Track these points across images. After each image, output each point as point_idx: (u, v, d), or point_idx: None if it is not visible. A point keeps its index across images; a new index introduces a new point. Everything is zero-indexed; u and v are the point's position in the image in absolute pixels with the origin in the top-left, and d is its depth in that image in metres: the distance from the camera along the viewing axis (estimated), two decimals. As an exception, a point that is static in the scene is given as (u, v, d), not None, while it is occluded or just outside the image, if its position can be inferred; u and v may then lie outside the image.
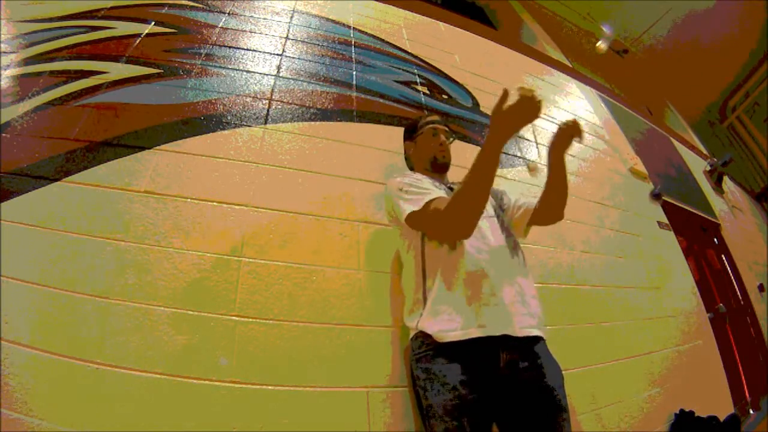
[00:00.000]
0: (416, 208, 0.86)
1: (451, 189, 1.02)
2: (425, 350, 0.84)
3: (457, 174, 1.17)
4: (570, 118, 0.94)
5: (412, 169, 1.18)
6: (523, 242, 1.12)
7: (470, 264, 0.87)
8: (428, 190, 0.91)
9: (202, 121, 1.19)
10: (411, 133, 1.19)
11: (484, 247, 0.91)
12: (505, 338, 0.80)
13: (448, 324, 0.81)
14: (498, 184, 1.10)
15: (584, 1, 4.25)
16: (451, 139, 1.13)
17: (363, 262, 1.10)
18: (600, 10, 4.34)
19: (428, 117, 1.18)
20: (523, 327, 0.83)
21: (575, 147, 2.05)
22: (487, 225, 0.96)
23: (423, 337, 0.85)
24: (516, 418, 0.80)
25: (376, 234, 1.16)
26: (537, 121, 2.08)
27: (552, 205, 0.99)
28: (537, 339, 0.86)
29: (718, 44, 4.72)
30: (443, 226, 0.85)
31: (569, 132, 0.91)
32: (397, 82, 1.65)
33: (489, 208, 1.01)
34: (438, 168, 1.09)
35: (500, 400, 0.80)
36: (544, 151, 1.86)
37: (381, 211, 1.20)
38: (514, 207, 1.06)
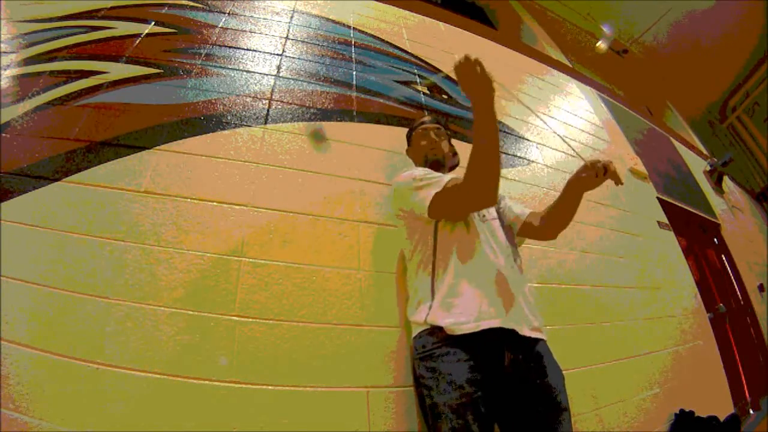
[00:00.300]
0: (439, 189, 0.88)
1: None
2: (431, 348, 0.84)
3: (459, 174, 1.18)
4: (608, 162, 0.88)
5: (415, 162, 1.20)
6: (523, 242, 1.12)
7: (483, 259, 0.88)
8: (443, 176, 0.96)
9: (202, 121, 1.19)
10: (408, 138, 1.24)
11: (495, 246, 0.93)
12: (513, 336, 0.81)
13: (460, 316, 0.82)
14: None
15: (584, 1, 4.25)
16: (444, 136, 1.14)
17: (363, 262, 1.10)
18: (600, 10, 4.34)
19: (420, 119, 1.22)
20: (530, 327, 0.85)
21: (575, 146, 2.06)
22: (496, 225, 0.97)
23: (430, 333, 0.86)
24: (518, 417, 0.81)
25: (376, 234, 1.16)
26: (537, 122, 2.07)
27: (551, 227, 1.01)
28: (539, 340, 0.87)
29: (718, 44, 4.72)
30: (468, 193, 0.84)
31: (604, 176, 0.87)
32: (397, 82, 1.65)
33: (492, 210, 1.03)
34: (433, 165, 1.10)
35: (503, 399, 0.80)
36: (545, 152, 1.87)
37: (381, 211, 1.20)
38: (508, 212, 1.07)
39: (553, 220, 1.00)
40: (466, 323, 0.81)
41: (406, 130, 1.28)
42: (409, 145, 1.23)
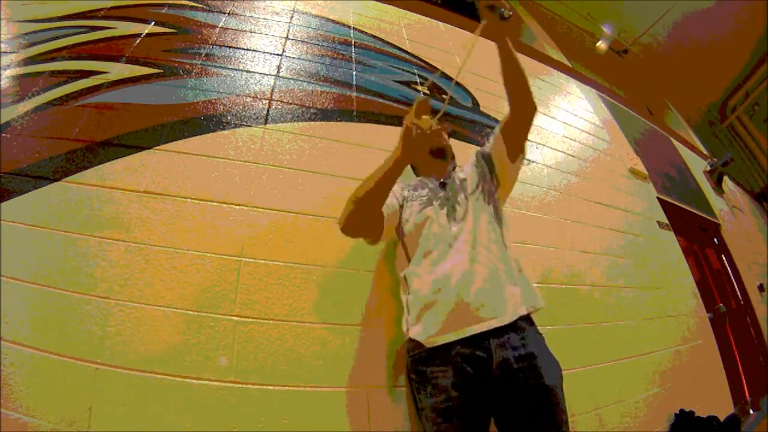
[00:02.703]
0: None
1: (444, 184, 1.01)
2: (417, 352, 0.84)
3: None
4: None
5: (414, 168, 1.19)
6: (522, 241, 1.11)
7: (433, 268, 0.86)
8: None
9: (202, 121, 1.19)
10: None
11: (476, 239, 0.88)
12: (495, 330, 0.79)
13: (425, 330, 0.82)
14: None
15: (584, 1, 4.25)
16: (445, 129, 1.13)
17: (363, 262, 1.10)
18: (600, 10, 4.34)
19: None
20: (501, 316, 0.80)
21: (575, 147, 2.06)
22: (452, 211, 0.93)
23: (412, 340, 0.86)
24: (513, 418, 0.78)
25: (376, 234, 1.16)
26: (538, 121, 2.07)
27: (518, 98, 0.93)
28: (521, 322, 0.83)
29: (718, 44, 4.72)
30: (341, 217, 0.89)
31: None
32: (397, 82, 1.65)
33: (470, 186, 0.98)
34: (435, 153, 1.09)
35: (496, 401, 0.79)
36: (545, 152, 1.87)
37: (381, 211, 1.20)
38: (491, 145, 1.02)
39: (515, 91, 0.94)
40: (437, 336, 0.80)
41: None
42: None
